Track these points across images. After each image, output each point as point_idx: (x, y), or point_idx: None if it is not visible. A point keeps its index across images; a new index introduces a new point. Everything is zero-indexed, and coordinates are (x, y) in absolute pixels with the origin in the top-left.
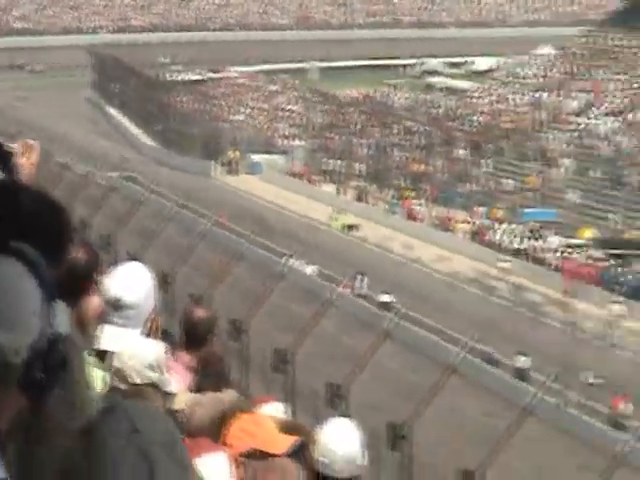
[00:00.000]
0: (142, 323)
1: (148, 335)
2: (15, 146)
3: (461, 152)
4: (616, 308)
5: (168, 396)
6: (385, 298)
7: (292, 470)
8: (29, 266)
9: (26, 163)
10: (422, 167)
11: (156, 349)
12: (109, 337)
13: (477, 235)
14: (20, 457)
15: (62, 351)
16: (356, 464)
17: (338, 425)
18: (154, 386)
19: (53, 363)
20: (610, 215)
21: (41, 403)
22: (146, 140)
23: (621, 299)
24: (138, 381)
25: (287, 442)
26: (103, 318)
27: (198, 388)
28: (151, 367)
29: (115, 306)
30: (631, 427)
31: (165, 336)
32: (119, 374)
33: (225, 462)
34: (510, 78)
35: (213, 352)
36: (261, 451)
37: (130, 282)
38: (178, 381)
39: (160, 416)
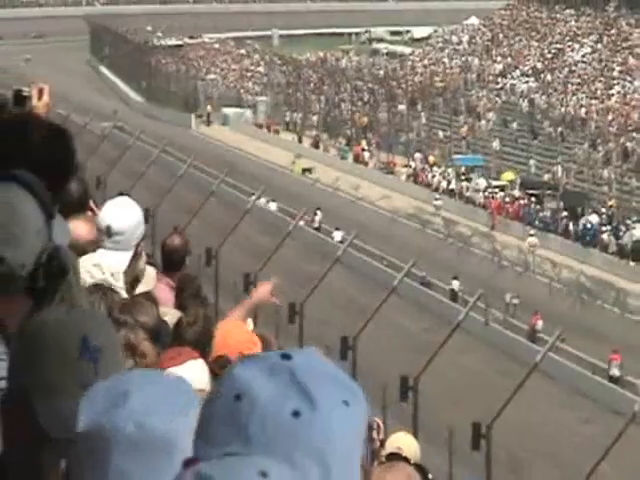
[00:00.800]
0: (131, 247)
1: (134, 258)
2: (29, 89)
3: (401, 107)
4: (532, 240)
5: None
6: (337, 236)
7: None
8: (29, 190)
9: (40, 104)
10: (368, 119)
11: (115, 261)
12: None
13: (415, 177)
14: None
15: (61, 261)
16: None
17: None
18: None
19: (54, 272)
20: (528, 161)
21: (44, 307)
22: (134, 96)
23: (534, 232)
24: (86, 276)
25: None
26: (98, 244)
27: (179, 305)
28: (97, 266)
29: (107, 233)
30: (543, 340)
31: (149, 261)
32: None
33: (204, 369)
34: (443, 44)
35: (188, 274)
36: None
37: (119, 212)
38: (164, 297)
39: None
